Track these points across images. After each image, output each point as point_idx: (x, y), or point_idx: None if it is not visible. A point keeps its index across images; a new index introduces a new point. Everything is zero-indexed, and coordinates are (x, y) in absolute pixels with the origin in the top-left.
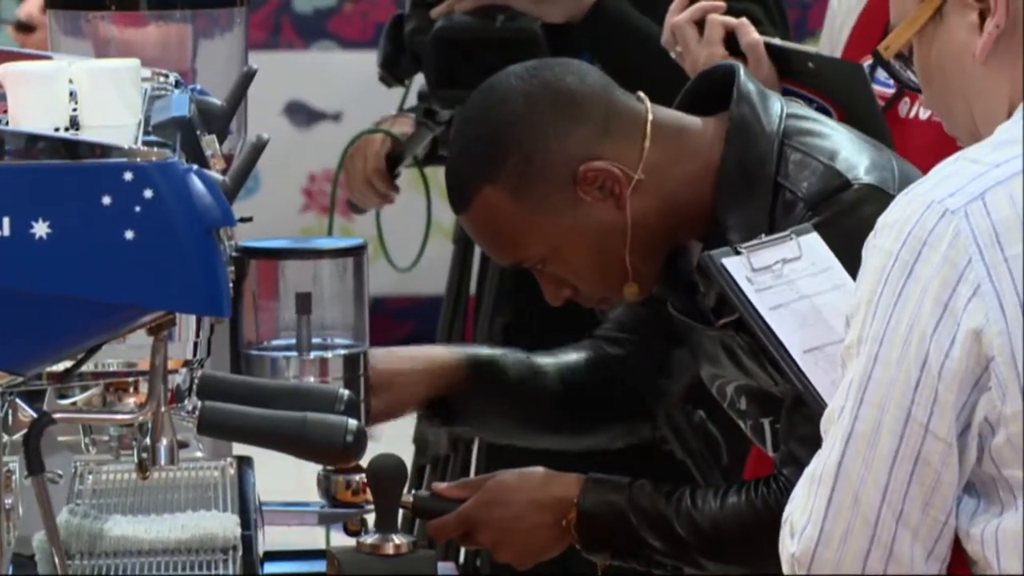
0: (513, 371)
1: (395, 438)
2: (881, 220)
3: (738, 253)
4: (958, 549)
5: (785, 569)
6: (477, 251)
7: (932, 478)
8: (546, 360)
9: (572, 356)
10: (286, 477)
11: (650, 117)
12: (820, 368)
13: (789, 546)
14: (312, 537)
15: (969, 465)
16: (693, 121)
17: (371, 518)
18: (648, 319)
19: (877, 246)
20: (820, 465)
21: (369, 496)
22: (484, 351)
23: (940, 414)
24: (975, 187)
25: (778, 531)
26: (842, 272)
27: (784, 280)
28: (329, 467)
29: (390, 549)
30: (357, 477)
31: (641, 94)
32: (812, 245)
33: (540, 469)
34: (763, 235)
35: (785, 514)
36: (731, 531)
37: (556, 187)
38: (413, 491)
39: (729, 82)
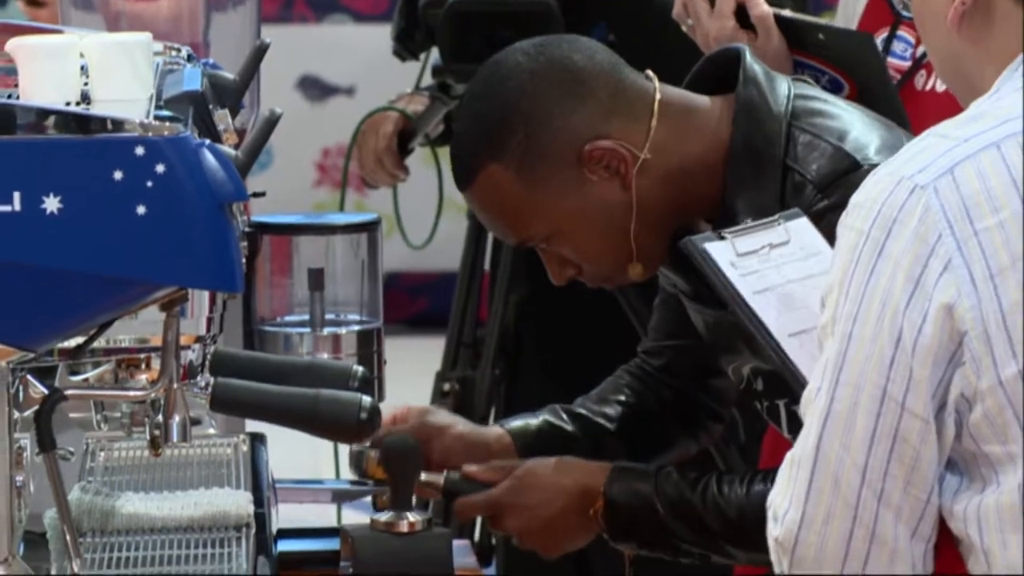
0: (565, 437)
1: None
2: (853, 199)
3: (722, 238)
4: (945, 530)
5: (771, 555)
6: None
7: (911, 456)
8: (591, 409)
9: (617, 395)
10: (300, 454)
11: (658, 96)
12: (805, 351)
13: (772, 531)
14: (326, 515)
15: (948, 442)
16: (701, 100)
17: None
18: (681, 319)
19: (849, 225)
20: (799, 447)
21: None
22: (530, 428)
23: (916, 391)
24: (944, 162)
25: None
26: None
27: (771, 264)
28: (365, 443)
29: (404, 527)
30: None
31: (650, 72)
32: (801, 230)
33: (569, 458)
34: (749, 220)
35: (768, 499)
36: (757, 518)
37: (561, 165)
38: (446, 472)
39: (736, 65)
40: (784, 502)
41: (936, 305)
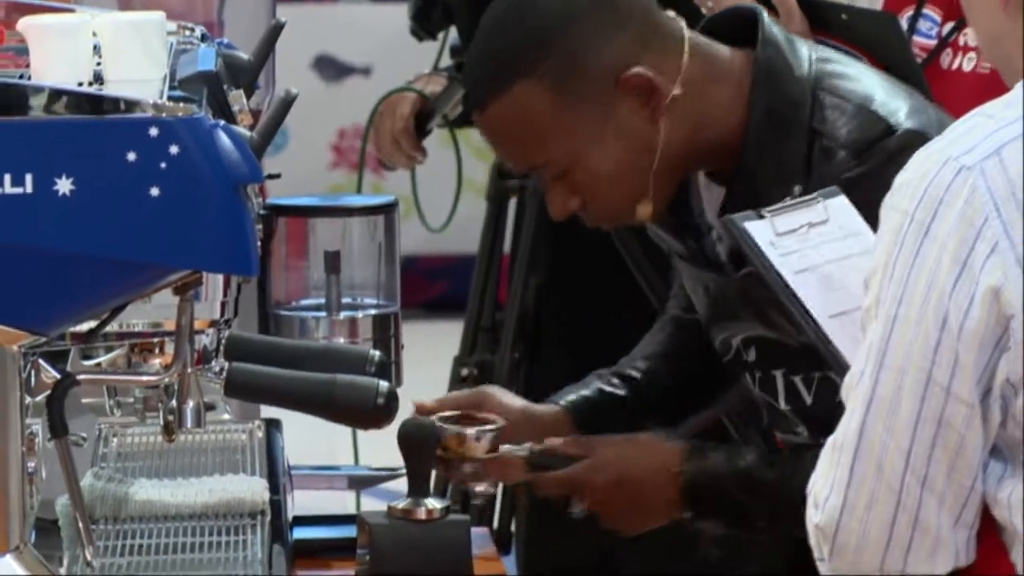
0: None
1: None
2: (897, 179)
3: (761, 217)
4: (987, 518)
5: (811, 541)
6: (511, 209)
7: (956, 441)
8: (639, 368)
9: (661, 349)
10: (316, 440)
11: (687, 34)
12: (846, 333)
13: (813, 517)
14: (343, 502)
15: (993, 428)
16: (723, 48)
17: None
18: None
19: (893, 206)
20: (841, 432)
21: (498, 450)
22: (582, 398)
23: (961, 375)
24: (991, 143)
25: None
26: (871, 236)
27: (810, 244)
28: (445, 418)
29: (422, 514)
30: (471, 430)
31: (672, 13)
32: (839, 209)
33: (647, 436)
34: (796, 188)
35: (809, 485)
36: None
37: (595, 89)
38: (530, 445)
39: (745, 25)
40: (825, 487)
41: (983, 288)
